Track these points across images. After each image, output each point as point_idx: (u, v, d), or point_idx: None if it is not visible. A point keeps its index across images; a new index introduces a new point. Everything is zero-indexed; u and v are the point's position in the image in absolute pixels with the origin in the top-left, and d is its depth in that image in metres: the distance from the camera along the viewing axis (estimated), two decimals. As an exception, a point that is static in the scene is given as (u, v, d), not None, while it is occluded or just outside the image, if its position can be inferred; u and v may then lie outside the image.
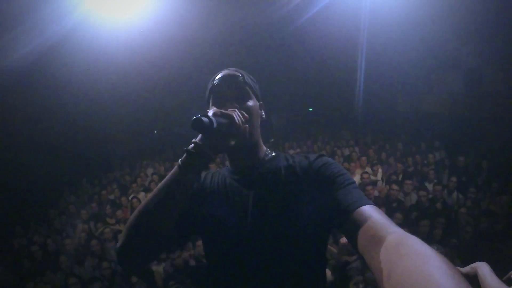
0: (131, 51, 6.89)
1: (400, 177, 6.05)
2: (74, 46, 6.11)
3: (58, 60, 6.20)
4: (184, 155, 0.91)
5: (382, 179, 6.12)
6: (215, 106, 1.02)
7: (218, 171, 1.18)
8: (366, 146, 8.34)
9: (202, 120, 0.80)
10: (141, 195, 6.55)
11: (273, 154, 1.14)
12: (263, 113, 1.15)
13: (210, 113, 0.89)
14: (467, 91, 8.03)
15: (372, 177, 5.86)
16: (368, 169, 6.23)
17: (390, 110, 10.63)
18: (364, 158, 6.73)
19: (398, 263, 0.58)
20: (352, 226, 0.81)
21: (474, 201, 4.63)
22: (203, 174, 1.18)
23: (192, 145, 0.90)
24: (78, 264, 4.21)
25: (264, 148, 1.15)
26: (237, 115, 0.93)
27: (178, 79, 9.13)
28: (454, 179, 5.17)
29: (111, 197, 6.84)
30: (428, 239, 3.69)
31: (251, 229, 0.99)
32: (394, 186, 5.09)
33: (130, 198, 6.26)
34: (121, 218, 5.49)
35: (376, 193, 5.18)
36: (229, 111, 0.92)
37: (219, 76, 1.08)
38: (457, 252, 3.43)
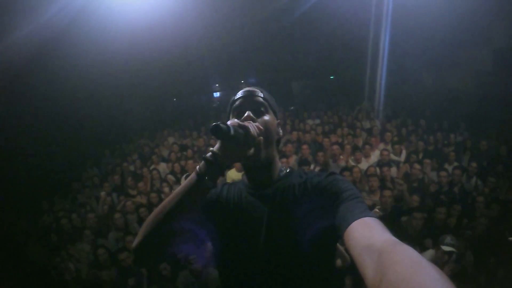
0: (148, 20, 6.79)
1: (420, 156, 5.94)
2: (91, 18, 6.07)
3: (74, 34, 6.19)
4: (202, 162, 0.98)
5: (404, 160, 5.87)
6: (234, 119, 1.08)
7: (235, 184, 1.25)
8: (387, 120, 8.15)
9: (220, 127, 0.86)
10: (162, 166, 6.72)
11: (288, 170, 1.19)
12: (280, 131, 1.21)
13: (228, 122, 0.94)
14: (495, 71, 7.56)
15: (393, 156, 5.71)
16: (389, 147, 6.12)
17: (413, 83, 10.24)
18: (389, 134, 6.61)
19: (389, 269, 0.59)
20: (350, 236, 0.82)
21: (492, 190, 4.50)
22: (220, 184, 1.24)
23: (210, 153, 0.97)
24: (102, 237, 4.44)
25: (280, 164, 1.19)
26: (252, 126, 0.99)
27: (197, 46, 9.01)
28: (474, 164, 5.05)
29: (132, 168, 6.98)
30: (443, 227, 3.69)
31: (262, 242, 1.05)
32: (417, 166, 5.00)
33: (150, 169, 6.41)
34: (142, 190, 5.60)
35: (393, 173, 5.06)
36: (245, 123, 0.98)
37: (239, 92, 1.18)
38: (471, 245, 3.43)
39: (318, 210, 1.01)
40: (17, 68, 5.99)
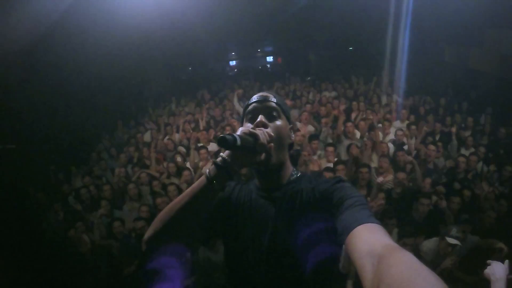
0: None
1: (437, 138, 5.86)
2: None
3: (90, 5, 6.13)
4: (212, 166, 1.03)
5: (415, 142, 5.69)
6: (247, 123, 1.18)
7: (247, 184, 1.30)
8: (405, 96, 7.93)
9: (226, 139, 0.90)
10: (176, 136, 6.71)
11: (299, 174, 1.22)
12: (293, 136, 1.24)
13: (238, 131, 1.00)
14: None
15: (407, 138, 5.53)
16: (404, 125, 6.02)
17: (434, 60, 9.80)
18: (404, 112, 6.50)
19: (387, 273, 0.60)
20: (351, 240, 0.84)
21: (506, 182, 4.41)
22: (233, 183, 1.30)
23: (220, 158, 1.02)
24: (117, 208, 4.60)
25: (291, 168, 1.23)
26: (262, 133, 1.02)
27: (213, 15, 8.79)
28: (482, 149, 5.01)
29: (147, 139, 7.02)
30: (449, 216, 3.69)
31: (266, 243, 1.11)
32: (431, 147, 4.94)
33: (165, 140, 6.47)
34: (157, 161, 5.59)
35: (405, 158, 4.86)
36: (256, 130, 1.02)
37: (253, 97, 1.22)
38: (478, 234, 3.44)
39: (323, 216, 1.03)
40: (31, 39, 6.00)
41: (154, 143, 6.33)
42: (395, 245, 0.72)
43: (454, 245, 3.09)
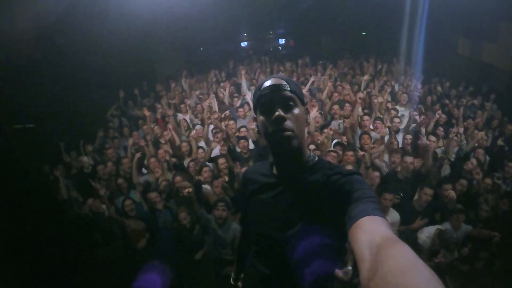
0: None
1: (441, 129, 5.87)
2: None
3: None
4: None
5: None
6: (262, 116, 1.15)
7: (265, 163, 1.37)
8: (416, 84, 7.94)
9: None
10: (188, 115, 6.83)
11: (316, 159, 1.23)
12: (309, 117, 1.24)
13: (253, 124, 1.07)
14: None
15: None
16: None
17: (447, 51, 9.70)
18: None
19: (384, 264, 0.61)
20: (354, 231, 0.86)
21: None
22: (257, 164, 1.43)
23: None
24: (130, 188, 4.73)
25: (308, 152, 1.23)
26: None
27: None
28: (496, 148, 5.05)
29: (159, 116, 7.07)
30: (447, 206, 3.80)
31: (279, 227, 1.18)
32: (432, 138, 4.91)
33: (178, 120, 6.61)
34: (171, 140, 5.79)
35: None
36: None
37: (265, 85, 1.16)
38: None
39: (332, 208, 1.05)
40: (45, 20, 6.10)
41: (168, 120, 6.47)
42: (395, 237, 0.73)
43: (449, 235, 3.24)
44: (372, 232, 0.79)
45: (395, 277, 0.55)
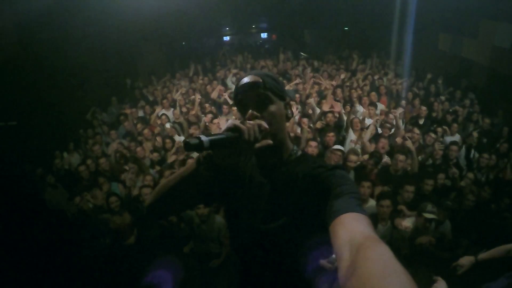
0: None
1: (421, 122, 5.99)
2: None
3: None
4: (198, 158, 1.06)
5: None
6: (239, 113, 1.15)
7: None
8: (397, 79, 8.12)
9: (190, 144, 0.85)
10: (170, 111, 6.76)
11: (298, 154, 1.21)
12: (290, 111, 1.20)
13: (229, 122, 0.97)
14: None
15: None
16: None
17: (428, 46, 9.93)
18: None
19: (362, 265, 0.61)
20: (334, 228, 0.85)
21: (486, 169, 4.59)
22: None
23: (201, 155, 1.04)
24: (117, 181, 4.67)
25: (291, 146, 1.21)
26: (251, 128, 0.97)
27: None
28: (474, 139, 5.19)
29: (141, 114, 7.07)
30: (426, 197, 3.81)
31: (261, 221, 1.15)
32: (416, 130, 5.07)
33: (160, 115, 6.47)
34: (148, 136, 5.74)
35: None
36: (244, 125, 0.96)
37: (242, 83, 1.14)
38: (452, 216, 3.67)
39: (313, 201, 1.03)
40: (27, 17, 5.94)
41: (148, 117, 6.41)
42: (376, 237, 0.73)
43: (430, 220, 3.31)
44: (352, 230, 0.78)
45: (371, 280, 0.55)
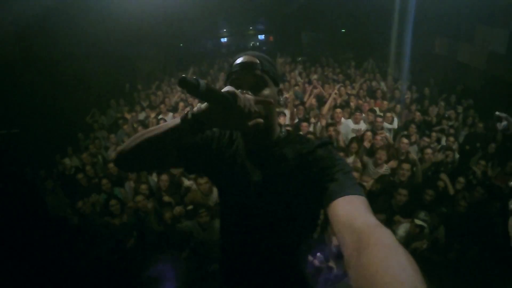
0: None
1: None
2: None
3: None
4: (185, 115, 0.95)
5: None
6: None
7: (237, 134, 1.23)
8: (393, 84, 8.21)
9: (187, 80, 0.78)
10: (169, 115, 6.70)
11: (286, 134, 1.16)
12: (281, 98, 1.16)
13: (225, 88, 0.90)
14: (508, 54, 7.31)
15: (386, 125, 5.63)
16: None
17: (423, 50, 10.03)
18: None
19: (365, 251, 0.62)
20: (333, 211, 0.85)
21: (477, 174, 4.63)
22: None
23: (190, 115, 0.93)
24: (119, 186, 4.70)
25: (278, 129, 1.16)
26: (247, 101, 0.91)
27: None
28: (452, 139, 5.26)
29: (141, 117, 7.00)
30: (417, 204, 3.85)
31: (251, 201, 1.12)
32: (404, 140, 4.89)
33: (158, 118, 6.42)
34: None
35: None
36: (240, 94, 0.90)
37: (237, 62, 1.07)
38: (446, 221, 3.76)
39: (306, 181, 1.01)
40: (26, 21, 5.97)
41: (147, 122, 6.36)
42: (376, 221, 0.73)
43: (421, 227, 3.41)
44: (352, 214, 0.78)
45: (375, 265, 0.57)
